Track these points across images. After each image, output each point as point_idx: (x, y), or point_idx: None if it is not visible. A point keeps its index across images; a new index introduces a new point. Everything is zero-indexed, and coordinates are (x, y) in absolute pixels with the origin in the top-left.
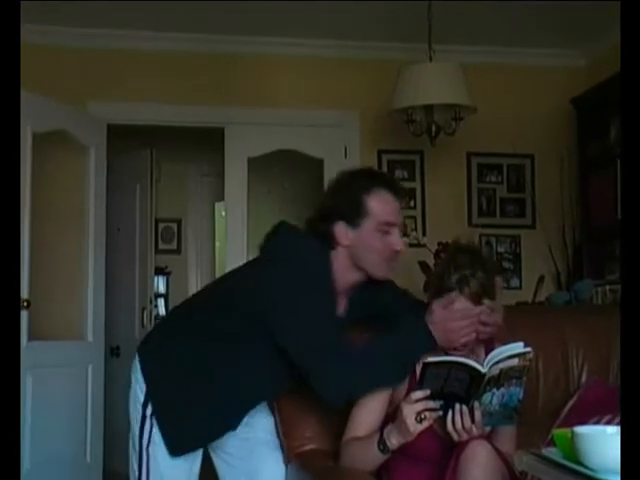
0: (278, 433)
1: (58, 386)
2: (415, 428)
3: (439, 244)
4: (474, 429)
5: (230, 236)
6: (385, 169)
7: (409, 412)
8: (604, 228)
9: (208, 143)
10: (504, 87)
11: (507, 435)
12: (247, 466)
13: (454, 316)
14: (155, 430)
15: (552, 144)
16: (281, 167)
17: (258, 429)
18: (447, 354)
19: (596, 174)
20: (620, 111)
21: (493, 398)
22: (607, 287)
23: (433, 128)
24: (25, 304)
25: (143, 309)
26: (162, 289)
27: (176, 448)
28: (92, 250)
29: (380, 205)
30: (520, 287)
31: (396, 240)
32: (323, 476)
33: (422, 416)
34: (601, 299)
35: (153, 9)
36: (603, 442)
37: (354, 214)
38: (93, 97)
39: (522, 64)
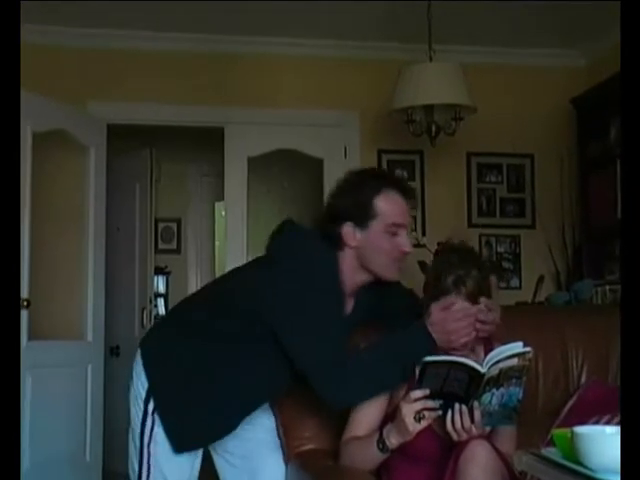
0: (279, 433)
1: (58, 386)
2: (414, 427)
3: (439, 244)
4: (473, 429)
5: (230, 236)
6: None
7: (408, 411)
8: (604, 228)
9: (208, 143)
10: (504, 87)
11: (507, 435)
12: (248, 466)
13: (453, 317)
14: (157, 429)
15: (552, 144)
16: (281, 167)
17: (259, 429)
18: (447, 354)
19: (596, 174)
20: (620, 111)
21: (492, 398)
22: (607, 287)
23: (433, 128)
24: (25, 304)
25: (143, 309)
26: (162, 289)
27: (180, 445)
28: (92, 250)
29: (389, 206)
30: (520, 287)
31: (404, 241)
32: (323, 476)
33: (421, 415)
34: (601, 299)
35: (153, 9)
36: (602, 442)
37: (362, 215)
38: (93, 97)
39: (522, 64)
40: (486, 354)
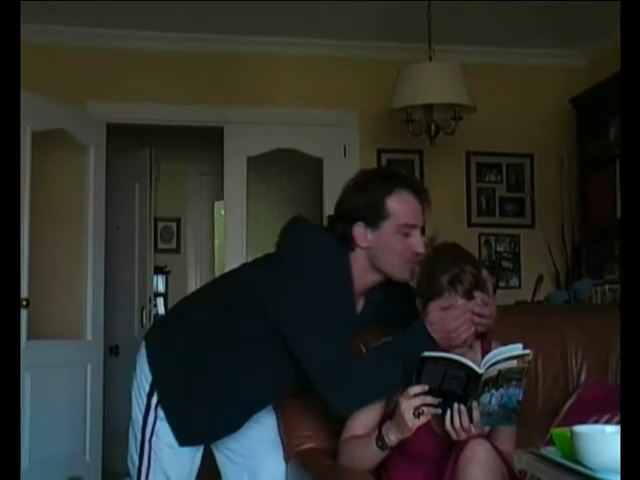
0: (279, 431)
1: (57, 385)
2: (413, 423)
3: (425, 246)
4: (473, 429)
5: (229, 235)
6: None
7: (407, 407)
8: (603, 228)
9: (207, 142)
10: (504, 87)
11: (506, 434)
12: (249, 463)
13: (451, 315)
14: (159, 423)
15: (552, 144)
16: (280, 166)
17: (261, 427)
18: (446, 352)
19: (596, 174)
20: (620, 111)
21: (492, 398)
22: (606, 287)
23: (432, 127)
24: (24, 303)
25: (142, 308)
26: (161, 288)
27: (184, 439)
28: (91, 249)
29: (401, 206)
30: (519, 286)
31: (417, 242)
32: (322, 475)
33: (420, 411)
34: (600, 299)
35: (153, 9)
36: (602, 441)
37: (374, 215)
38: (92, 97)
39: (522, 64)
40: (484, 353)
